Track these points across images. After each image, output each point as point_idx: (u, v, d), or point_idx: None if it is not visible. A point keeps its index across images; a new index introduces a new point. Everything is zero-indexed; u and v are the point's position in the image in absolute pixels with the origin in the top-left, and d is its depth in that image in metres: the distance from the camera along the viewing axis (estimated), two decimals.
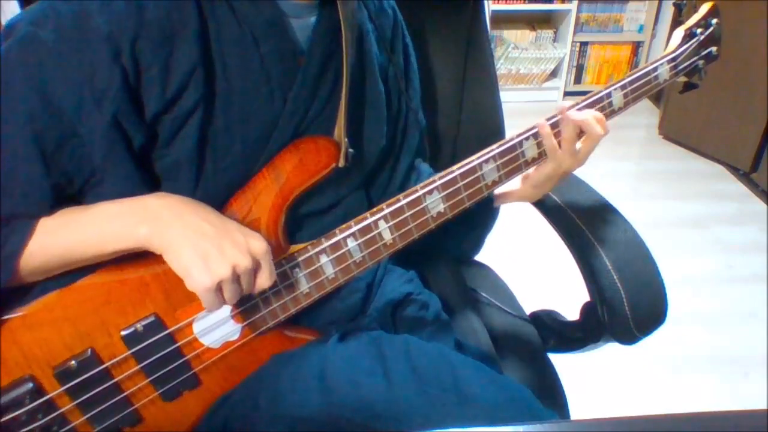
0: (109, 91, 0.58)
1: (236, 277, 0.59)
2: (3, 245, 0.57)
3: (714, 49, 0.86)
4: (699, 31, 0.84)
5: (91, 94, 0.58)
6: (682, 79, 0.86)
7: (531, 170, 0.77)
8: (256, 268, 0.61)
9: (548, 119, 0.73)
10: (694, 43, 0.84)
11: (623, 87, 0.79)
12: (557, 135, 0.73)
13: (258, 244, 0.61)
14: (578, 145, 0.74)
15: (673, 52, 0.83)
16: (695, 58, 0.85)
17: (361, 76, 0.75)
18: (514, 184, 0.83)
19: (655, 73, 0.81)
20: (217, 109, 0.64)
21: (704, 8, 0.85)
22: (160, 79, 0.60)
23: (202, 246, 0.57)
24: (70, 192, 0.62)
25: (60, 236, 0.59)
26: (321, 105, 0.70)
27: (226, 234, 0.59)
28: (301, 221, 0.73)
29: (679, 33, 0.85)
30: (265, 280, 0.62)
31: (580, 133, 0.73)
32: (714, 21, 0.85)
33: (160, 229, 0.58)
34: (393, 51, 0.82)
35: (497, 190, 0.83)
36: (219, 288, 0.58)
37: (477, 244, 0.92)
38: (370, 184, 0.83)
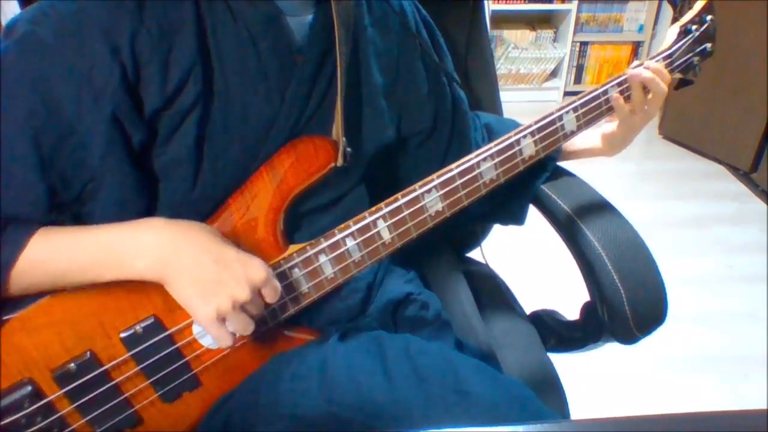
0: (108, 88, 0.58)
1: (239, 309, 0.60)
2: None
3: (709, 45, 0.85)
4: (694, 27, 0.84)
5: (90, 92, 0.58)
6: (677, 76, 0.86)
7: (611, 129, 0.83)
8: (259, 293, 0.62)
9: (614, 81, 0.78)
10: (689, 39, 0.84)
11: (620, 84, 0.79)
12: (626, 99, 0.78)
13: (257, 272, 0.61)
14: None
15: (669, 49, 0.83)
16: (690, 55, 0.85)
17: (357, 73, 0.74)
18: (595, 141, 0.87)
19: None
20: (215, 106, 0.64)
21: (698, 5, 0.84)
22: (159, 76, 0.60)
23: (200, 281, 0.58)
24: (67, 198, 0.62)
25: (54, 260, 0.59)
26: (318, 103, 0.70)
27: (224, 267, 0.59)
28: (300, 220, 0.73)
29: (674, 30, 0.85)
30: (270, 300, 0.63)
31: (646, 90, 0.78)
32: (708, 17, 0.85)
33: (157, 265, 0.59)
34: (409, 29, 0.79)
35: (580, 145, 0.88)
36: (223, 319, 0.59)
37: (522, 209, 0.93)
38: (446, 157, 0.85)
